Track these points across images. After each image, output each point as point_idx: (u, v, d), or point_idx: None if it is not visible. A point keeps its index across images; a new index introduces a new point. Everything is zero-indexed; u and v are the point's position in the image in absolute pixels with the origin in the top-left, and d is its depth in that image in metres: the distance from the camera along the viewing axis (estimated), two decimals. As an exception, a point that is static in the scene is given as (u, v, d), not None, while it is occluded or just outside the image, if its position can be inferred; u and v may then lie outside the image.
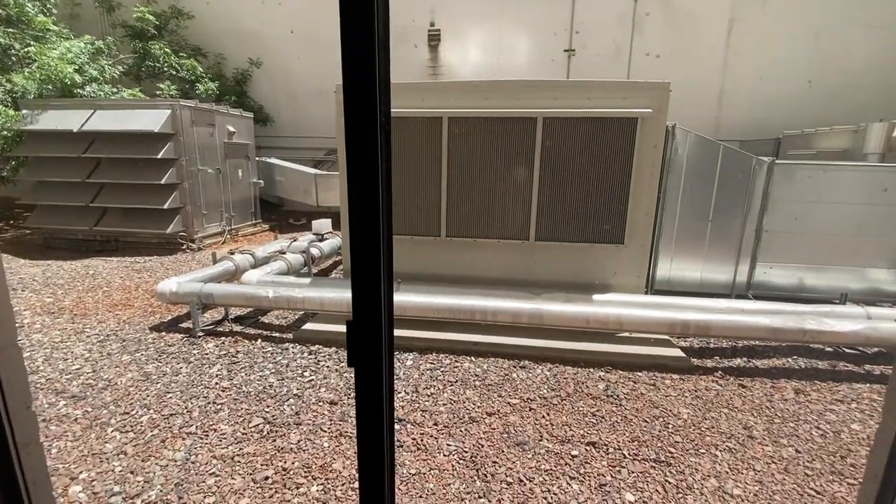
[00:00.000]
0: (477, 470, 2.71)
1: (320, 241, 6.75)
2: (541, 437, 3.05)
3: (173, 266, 7.25)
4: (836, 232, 4.93)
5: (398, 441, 2.95)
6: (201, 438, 2.95)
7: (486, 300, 4.22)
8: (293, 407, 3.30)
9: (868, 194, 4.86)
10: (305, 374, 3.81)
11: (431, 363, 4.04)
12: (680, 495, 2.55)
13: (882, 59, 10.78)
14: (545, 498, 2.51)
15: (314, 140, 12.97)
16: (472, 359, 4.15)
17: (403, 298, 4.32)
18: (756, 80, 11.48)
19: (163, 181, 7.95)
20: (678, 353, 4.25)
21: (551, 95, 4.41)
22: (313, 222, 6.71)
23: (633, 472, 2.73)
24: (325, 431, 3.03)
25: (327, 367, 3.94)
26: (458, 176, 4.65)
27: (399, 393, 3.53)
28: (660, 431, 3.13)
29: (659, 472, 2.73)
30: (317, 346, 4.35)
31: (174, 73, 11.43)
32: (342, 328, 4.45)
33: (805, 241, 4.99)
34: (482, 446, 2.93)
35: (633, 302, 4.44)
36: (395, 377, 3.68)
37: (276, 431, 3.02)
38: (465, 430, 3.10)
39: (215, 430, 3.03)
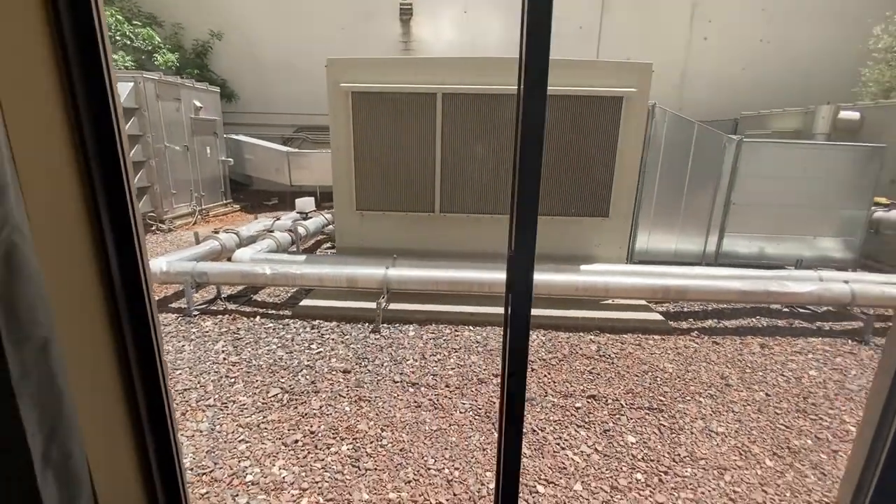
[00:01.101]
0: (493, 424, 2.93)
1: (304, 219, 6.70)
2: (546, 393, 3.30)
3: (146, 247, 6.97)
4: (791, 204, 5.44)
5: (416, 402, 3.12)
6: (222, 410, 3.00)
7: (483, 272, 4.41)
8: (308, 377, 3.39)
9: (818, 170, 5.38)
10: (312, 346, 3.89)
11: (433, 333, 4.21)
12: (673, 435, 2.88)
13: (828, 46, 11.58)
14: (558, 443, 2.77)
15: (282, 117, 12.55)
16: (471, 328, 4.35)
17: (404, 273, 4.44)
18: (717, 63, 12.07)
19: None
20: (657, 316, 4.62)
21: (542, 73, 4.56)
22: (297, 200, 6.63)
23: (631, 419, 3.04)
24: (345, 397, 3.15)
25: (332, 339, 4.03)
26: (452, 152, 4.75)
27: (407, 360, 3.69)
28: (650, 384, 3.46)
29: (654, 418, 3.05)
30: (317, 320, 4.41)
31: (128, 42, 10.67)
32: (341, 303, 4.53)
33: (766, 213, 5.47)
34: (494, 403, 3.15)
35: (617, 271, 4.76)
36: (403, 346, 3.82)
37: (297, 399, 3.11)
38: (476, 390, 3.31)
39: (234, 402, 3.08)
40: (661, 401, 3.25)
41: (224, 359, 3.64)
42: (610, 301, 4.79)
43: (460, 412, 3.05)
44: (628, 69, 4.55)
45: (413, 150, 4.77)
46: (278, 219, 6.59)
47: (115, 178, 0.90)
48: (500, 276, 4.40)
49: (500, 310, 4.21)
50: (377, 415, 2.98)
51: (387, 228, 5.09)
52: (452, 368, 3.59)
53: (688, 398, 3.29)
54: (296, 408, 3.02)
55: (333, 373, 3.47)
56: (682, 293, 4.42)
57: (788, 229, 5.52)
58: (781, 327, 4.61)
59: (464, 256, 5.02)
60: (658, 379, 3.54)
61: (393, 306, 4.55)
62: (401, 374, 3.49)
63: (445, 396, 3.21)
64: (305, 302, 4.71)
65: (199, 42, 12.25)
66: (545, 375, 3.53)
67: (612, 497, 2.37)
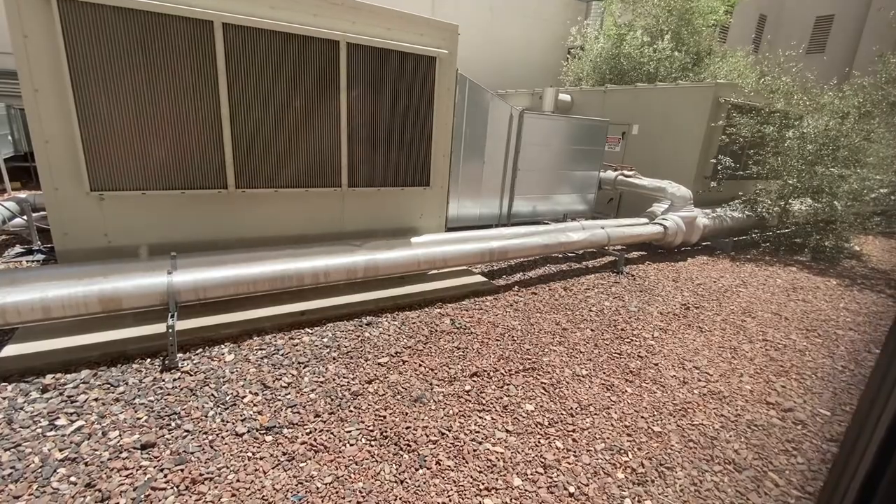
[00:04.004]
0: (396, 443, 2.39)
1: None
2: (430, 385, 2.93)
3: None
4: (554, 168, 6.53)
5: (286, 453, 2.24)
6: None
7: (319, 259, 3.58)
8: (77, 477, 1.98)
9: (573, 139, 6.58)
10: (59, 422, 2.33)
11: (261, 349, 3.18)
12: (557, 390, 2.99)
13: (534, 41, 14.41)
14: (473, 439, 2.47)
15: None
16: (308, 330, 3.51)
17: (202, 276, 3.16)
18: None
19: None
20: (481, 278, 4.81)
21: (351, 18, 3.85)
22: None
23: (517, 386, 3.00)
24: (167, 488, 1.98)
25: (95, 400, 2.52)
26: (247, 108, 3.56)
27: (244, 397, 2.64)
28: (512, 345, 3.53)
29: (533, 378, 3.11)
30: (49, 376, 2.70)
31: None
32: (83, 339, 2.97)
33: (538, 177, 6.40)
34: (384, 417, 2.58)
35: (446, 240, 4.67)
36: (226, 378, 2.76)
37: (67, 529, 1.76)
38: (356, 407, 2.64)
39: None
40: (529, 359, 3.35)
41: None
42: (435, 270, 4.69)
43: (350, 444, 2.36)
44: (439, 27, 4.33)
45: (186, 101, 3.34)
46: None
47: None
48: (336, 261, 3.67)
49: (342, 300, 3.51)
50: (234, 496, 1.99)
51: (151, 215, 3.51)
52: (312, 389, 2.77)
53: (546, 350, 3.51)
54: (72, 545, 1.71)
55: (124, 455, 2.15)
56: (503, 253, 4.70)
57: (551, 189, 6.65)
58: (566, 270, 5.53)
59: (274, 241, 3.98)
60: (515, 338, 3.65)
61: (181, 325, 3.23)
62: (242, 419, 2.46)
63: (322, 430, 2.43)
64: (10, 350, 2.82)
65: None
66: (420, 364, 3.14)
67: (551, 477, 2.25)
